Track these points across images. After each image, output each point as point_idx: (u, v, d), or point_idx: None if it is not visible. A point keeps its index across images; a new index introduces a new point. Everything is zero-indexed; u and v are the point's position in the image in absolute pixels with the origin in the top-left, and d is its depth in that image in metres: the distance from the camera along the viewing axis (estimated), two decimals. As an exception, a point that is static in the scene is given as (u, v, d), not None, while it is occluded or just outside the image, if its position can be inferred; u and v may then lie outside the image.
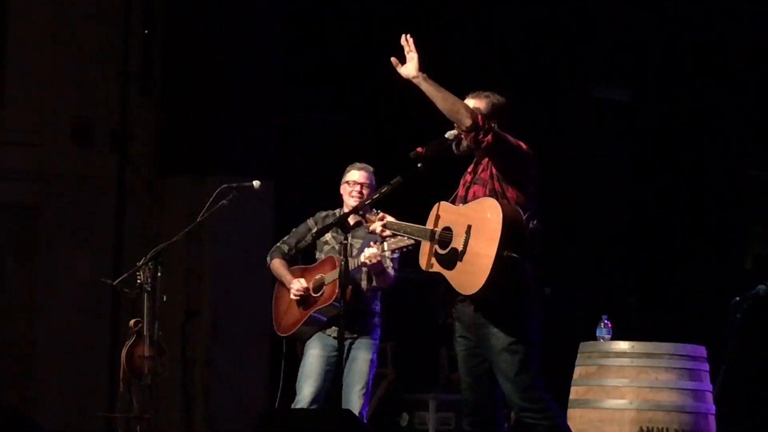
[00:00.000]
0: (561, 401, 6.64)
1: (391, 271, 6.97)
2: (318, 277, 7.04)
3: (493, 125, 5.73)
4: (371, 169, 7.15)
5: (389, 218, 6.13)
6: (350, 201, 7.06)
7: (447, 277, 5.75)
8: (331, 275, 6.94)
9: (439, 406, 9.32)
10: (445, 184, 6.14)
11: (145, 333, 7.70)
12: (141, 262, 7.53)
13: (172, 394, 9.59)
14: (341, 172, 7.18)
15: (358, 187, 7.08)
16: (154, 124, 10.36)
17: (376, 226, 6.11)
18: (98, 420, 9.39)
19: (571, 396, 6.80)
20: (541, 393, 5.72)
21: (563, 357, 7.06)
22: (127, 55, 10.19)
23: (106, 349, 9.81)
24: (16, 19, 10.15)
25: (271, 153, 10.11)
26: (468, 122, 5.67)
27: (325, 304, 6.95)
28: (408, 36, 5.82)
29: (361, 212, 6.37)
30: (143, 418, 7.87)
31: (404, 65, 5.79)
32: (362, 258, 6.76)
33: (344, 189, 7.14)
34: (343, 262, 6.15)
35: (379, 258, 6.76)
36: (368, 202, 6.30)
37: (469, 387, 5.89)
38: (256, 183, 7.43)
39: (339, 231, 7.04)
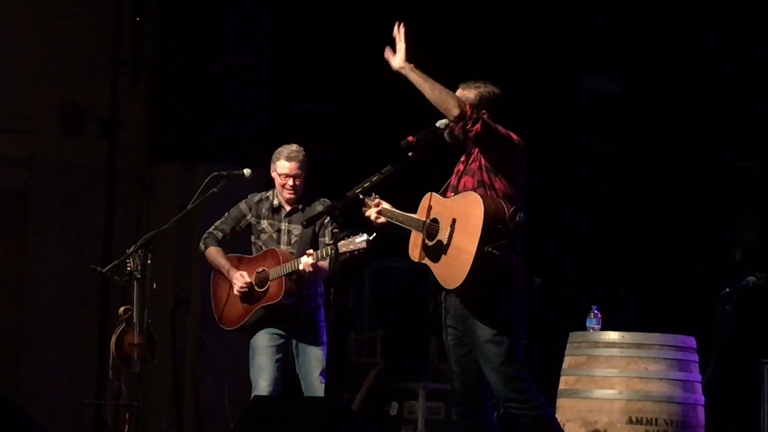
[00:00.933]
0: (550, 391, 6.66)
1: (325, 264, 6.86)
2: (261, 270, 6.92)
3: (482, 115, 5.72)
4: (302, 155, 6.96)
5: (385, 205, 6.12)
6: (285, 194, 6.95)
7: (432, 269, 5.77)
8: (275, 271, 6.84)
9: (429, 395, 9.33)
10: (436, 174, 6.15)
11: (134, 320, 7.69)
12: (131, 250, 7.51)
13: (161, 381, 9.58)
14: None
15: (290, 181, 6.92)
16: (144, 111, 10.34)
17: (372, 213, 6.10)
18: (87, 407, 9.39)
19: (561, 386, 6.81)
20: (526, 384, 5.74)
21: (553, 347, 7.07)
22: (117, 43, 10.16)
23: (95, 337, 9.80)
24: (6, 4, 10.12)
25: (261, 141, 10.08)
26: (455, 111, 5.68)
27: (273, 302, 6.86)
28: (400, 26, 5.82)
29: (363, 195, 6.30)
30: (132, 406, 7.86)
31: (393, 56, 5.79)
32: (300, 267, 6.71)
33: (275, 178, 6.99)
34: (333, 250, 6.13)
35: (311, 267, 6.71)
36: (358, 190, 6.27)
37: (458, 377, 5.91)
38: (246, 171, 7.39)
39: (275, 218, 7.01)
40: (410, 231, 5.96)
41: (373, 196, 6.23)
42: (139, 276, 7.52)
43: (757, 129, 11.30)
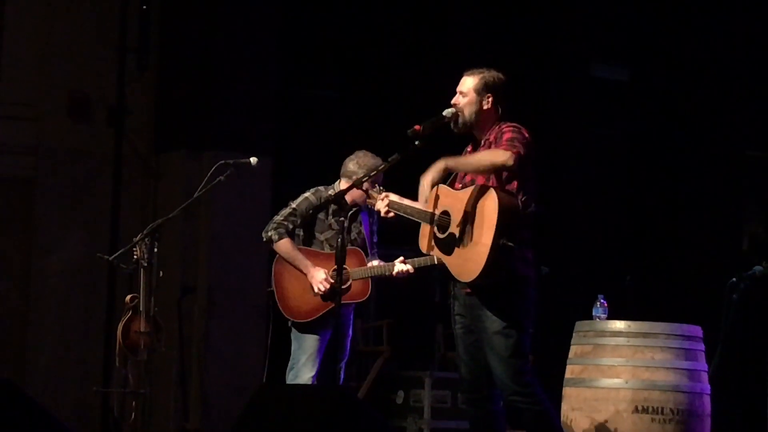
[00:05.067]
0: (556, 380, 6.67)
1: None
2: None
3: (521, 151, 5.70)
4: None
5: (393, 196, 6.10)
6: (359, 197, 6.99)
7: (445, 262, 5.76)
8: (361, 272, 6.92)
9: (435, 383, 9.34)
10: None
11: (141, 308, 7.70)
12: (138, 238, 7.52)
13: (167, 369, 9.60)
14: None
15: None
16: (151, 98, 10.33)
17: (380, 206, 6.09)
18: (93, 395, 9.40)
19: (567, 375, 6.81)
20: (531, 377, 5.76)
21: (559, 336, 7.07)
22: (124, 30, 10.15)
23: (102, 324, 9.81)
24: (14, -8, 10.13)
25: (268, 128, 10.09)
26: (510, 162, 5.69)
27: (357, 300, 6.97)
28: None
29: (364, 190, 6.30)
30: (139, 393, 7.87)
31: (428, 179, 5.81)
32: (395, 273, 6.82)
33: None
34: (339, 240, 6.13)
35: (406, 275, 6.83)
36: (365, 180, 6.27)
37: (466, 365, 5.91)
38: (253, 159, 7.39)
39: (340, 215, 7.00)
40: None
41: (379, 188, 6.23)
42: (145, 264, 7.53)
43: (764, 117, 11.28)
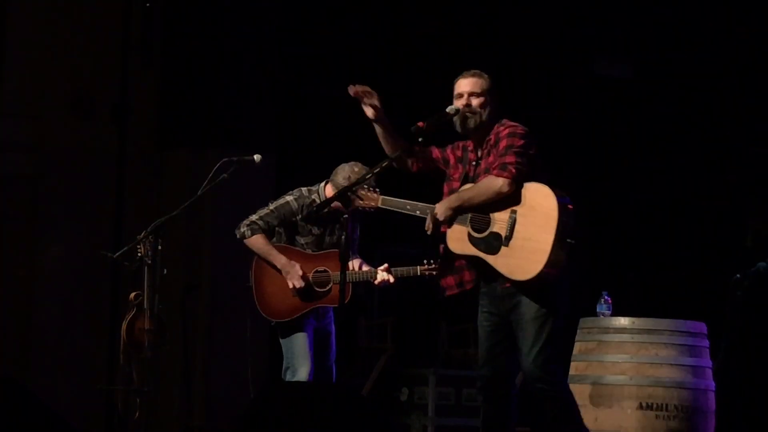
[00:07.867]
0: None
1: None
2: (322, 270, 7.00)
3: (513, 172, 5.70)
4: None
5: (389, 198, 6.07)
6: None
7: (490, 262, 5.70)
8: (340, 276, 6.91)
9: (439, 380, 9.34)
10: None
11: (145, 306, 7.69)
12: (141, 236, 7.51)
13: (171, 367, 9.60)
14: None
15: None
16: (155, 96, 10.35)
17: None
18: (98, 392, 9.41)
19: (571, 371, 6.81)
20: (557, 366, 5.75)
21: (564, 332, 7.06)
22: (127, 27, 10.15)
23: (106, 322, 9.81)
24: (17, -10, 10.13)
25: (272, 126, 10.10)
26: (506, 188, 5.68)
27: (335, 305, 6.96)
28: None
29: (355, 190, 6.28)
30: (143, 391, 7.86)
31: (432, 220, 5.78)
32: (375, 282, 6.86)
33: (349, 193, 6.96)
34: (344, 236, 6.13)
35: (386, 284, 6.86)
36: (368, 177, 6.24)
37: (487, 362, 5.88)
38: (257, 157, 7.39)
39: (323, 222, 7.05)
40: (421, 217, 5.91)
41: (371, 188, 6.19)
42: (149, 261, 7.51)
43: (768, 113, 11.27)
